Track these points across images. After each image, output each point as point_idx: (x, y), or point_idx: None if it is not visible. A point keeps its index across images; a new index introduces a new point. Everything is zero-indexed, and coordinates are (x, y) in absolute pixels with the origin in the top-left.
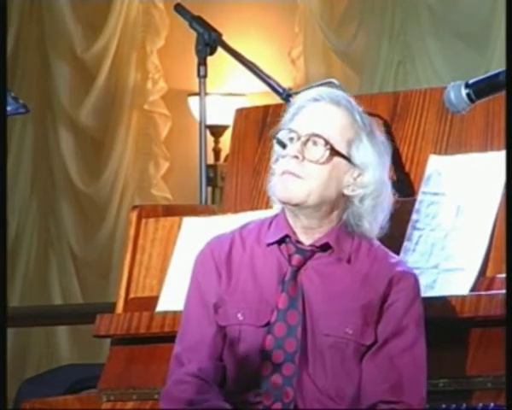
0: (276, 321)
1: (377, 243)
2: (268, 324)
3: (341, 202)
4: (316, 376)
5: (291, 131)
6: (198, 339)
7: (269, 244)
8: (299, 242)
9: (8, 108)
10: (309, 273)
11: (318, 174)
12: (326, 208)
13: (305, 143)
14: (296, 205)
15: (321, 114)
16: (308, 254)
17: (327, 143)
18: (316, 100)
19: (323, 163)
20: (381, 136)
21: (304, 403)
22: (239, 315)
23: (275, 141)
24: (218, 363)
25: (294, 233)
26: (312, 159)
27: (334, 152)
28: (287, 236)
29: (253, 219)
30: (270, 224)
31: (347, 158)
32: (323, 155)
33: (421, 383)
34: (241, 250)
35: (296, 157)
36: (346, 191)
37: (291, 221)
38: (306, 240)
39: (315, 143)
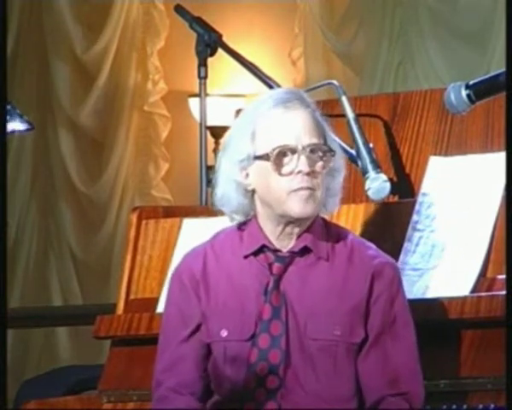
0: (260, 333)
1: (349, 233)
2: (253, 336)
3: None
4: (307, 382)
5: (283, 147)
6: (175, 359)
7: (246, 256)
8: (277, 250)
9: (13, 126)
10: (291, 280)
11: (322, 181)
12: None
13: (308, 156)
14: (308, 218)
15: (302, 121)
16: (288, 261)
17: (330, 149)
18: (286, 106)
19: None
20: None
21: None
22: (222, 331)
23: (273, 159)
24: (197, 377)
25: (270, 242)
26: (322, 170)
27: (332, 153)
28: (264, 246)
29: (221, 230)
30: (241, 234)
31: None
32: (336, 161)
33: (418, 369)
34: (216, 264)
35: (308, 173)
36: (332, 183)
37: (267, 229)
38: (284, 247)
39: (313, 151)
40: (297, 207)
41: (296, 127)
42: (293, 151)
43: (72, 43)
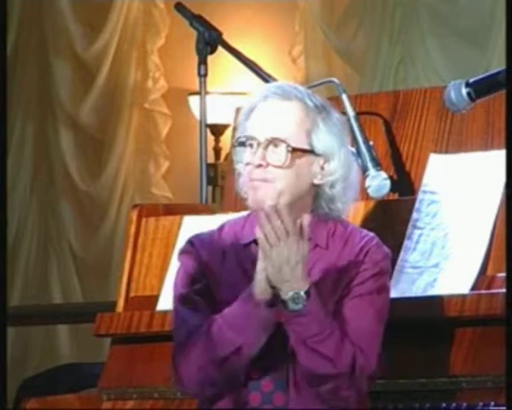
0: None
1: (352, 225)
2: None
3: (312, 190)
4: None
5: (248, 138)
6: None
7: (245, 245)
8: None
9: None
10: None
11: (285, 176)
12: (299, 203)
13: (265, 149)
14: (261, 207)
15: (275, 114)
16: None
17: (288, 145)
18: (265, 98)
19: (288, 166)
20: (335, 112)
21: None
22: None
23: (236, 147)
24: None
25: None
26: (276, 164)
27: (296, 151)
28: None
29: (226, 222)
30: (244, 224)
31: (310, 151)
32: (286, 158)
33: (377, 342)
34: (222, 253)
35: (260, 165)
36: (316, 181)
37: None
38: None
39: (276, 145)
40: (250, 197)
41: (263, 118)
42: (257, 143)
43: (73, 41)
